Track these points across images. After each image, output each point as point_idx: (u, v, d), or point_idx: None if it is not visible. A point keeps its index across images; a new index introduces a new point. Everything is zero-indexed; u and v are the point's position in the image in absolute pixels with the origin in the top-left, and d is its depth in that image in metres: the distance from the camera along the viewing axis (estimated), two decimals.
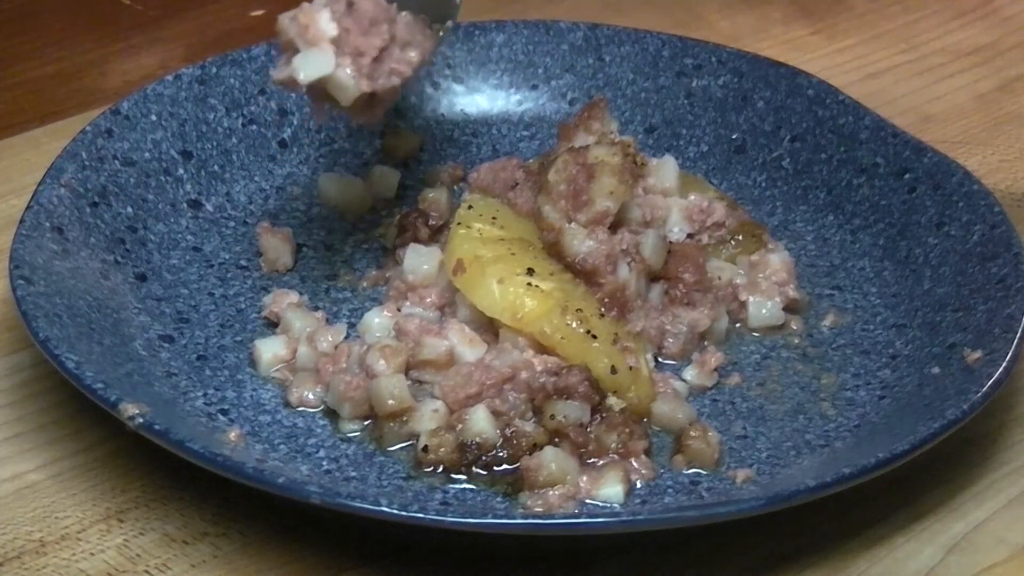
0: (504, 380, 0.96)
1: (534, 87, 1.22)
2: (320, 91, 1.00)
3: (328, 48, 0.98)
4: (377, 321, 1.01)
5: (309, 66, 0.98)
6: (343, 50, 0.99)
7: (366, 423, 0.97)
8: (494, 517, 0.88)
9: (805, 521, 0.92)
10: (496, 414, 0.95)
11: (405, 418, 0.95)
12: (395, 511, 0.85)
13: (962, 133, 1.26)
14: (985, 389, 0.93)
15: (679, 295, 1.03)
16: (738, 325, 1.05)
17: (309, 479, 0.91)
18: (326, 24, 0.98)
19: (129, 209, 1.08)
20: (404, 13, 1.02)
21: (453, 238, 1.01)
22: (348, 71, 0.98)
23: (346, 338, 1.01)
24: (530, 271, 0.98)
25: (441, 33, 1.05)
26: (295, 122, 1.18)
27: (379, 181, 1.15)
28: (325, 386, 0.98)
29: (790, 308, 1.06)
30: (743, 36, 1.36)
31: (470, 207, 1.04)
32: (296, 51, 0.98)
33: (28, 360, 1.02)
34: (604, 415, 0.95)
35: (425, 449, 0.94)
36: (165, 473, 0.94)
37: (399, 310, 1.02)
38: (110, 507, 0.93)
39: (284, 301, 1.04)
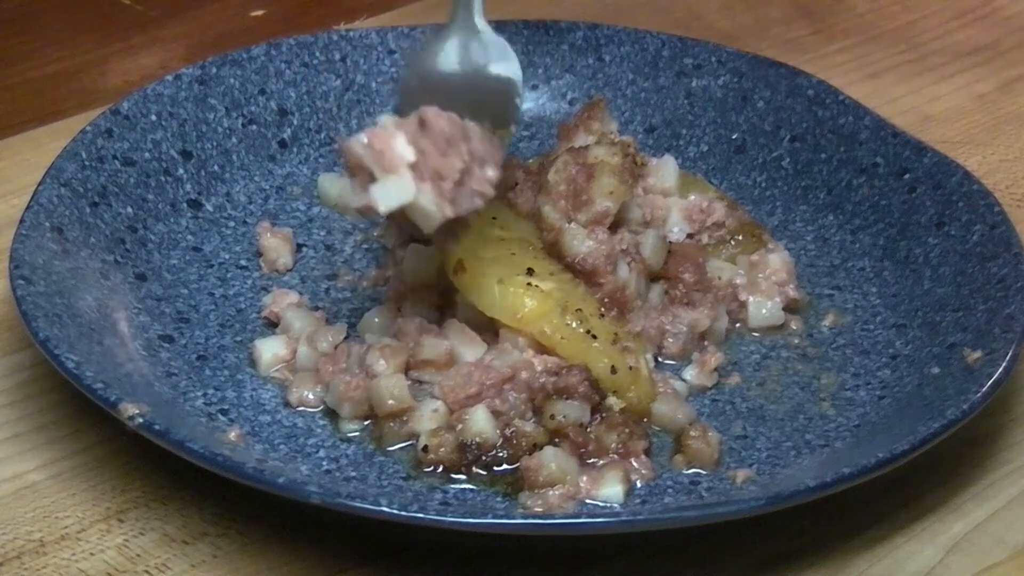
0: (504, 380, 0.96)
1: (534, 87, 1.22)
2: (399, 215, 0.93)
3: (407, 174, 0.91)
4: (377, 321, 1.01)
5: (390, 196, 0.91)
6: (422, 175, 0.92)
7: (366, 423, 0.97)
8: (494, 517, 0.88)
9: (805, 521, 0.92)
10: (496, 414, 0.95)
11: (405, 418, 0.95)
12: (395, 511, 0.85)
13: (962, 133, 1.26)
14: (985, 389, 0.93)
15: (679, 295, 1.03)
16: (738, 325, 1.05)
17: (309, 479, 0.91)
18: (403, 148, 0.91)
19: (129, 209, 1.08)
20: (474, 125, 0.95)
21: None
22: (430, 197, 0.92)
23: (346, 338, 1.01)
24: (530, 271, 0.98)
25: (505, 139, 1.00)
26: (295, 122, 1.18)
27: None
28: (325, 386, 0.98)
29: (790, 308, 1.06)
30: (743, 36, 1.35)
31: None
32: (370, 176, 0.92)
33: (28, 360, 1.02)
34: (604, 415, 0.95)
35: (425, 449, 0.94)
36: (165, 473, 0.94)
37: (399, 310, 1.01)
38: (110, 507, 0.93)
39: (284, 301, 1.04)
